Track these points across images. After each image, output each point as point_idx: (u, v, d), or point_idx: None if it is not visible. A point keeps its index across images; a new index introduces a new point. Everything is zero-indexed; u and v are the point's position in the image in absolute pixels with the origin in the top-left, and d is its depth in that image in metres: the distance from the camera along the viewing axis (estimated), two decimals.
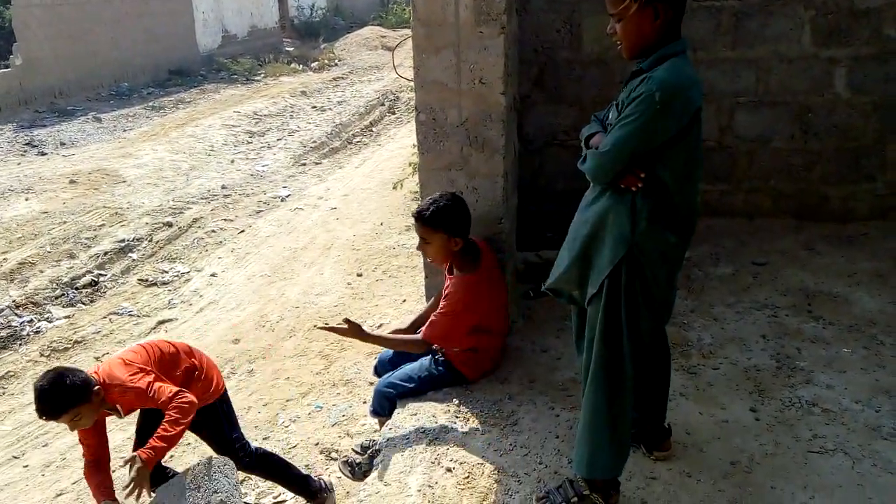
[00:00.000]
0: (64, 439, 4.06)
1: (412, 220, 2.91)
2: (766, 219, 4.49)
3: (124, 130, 11.33)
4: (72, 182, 8.49)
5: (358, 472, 2.82)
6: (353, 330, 2.80)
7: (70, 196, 8.08)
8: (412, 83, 3.13)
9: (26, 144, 10.40)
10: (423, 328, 2.83)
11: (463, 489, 2.35)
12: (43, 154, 10.00)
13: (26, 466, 3.87)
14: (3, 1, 13.45)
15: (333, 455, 3.72)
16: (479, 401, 2.81)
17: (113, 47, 14.61)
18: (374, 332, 3.08)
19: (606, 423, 2.13)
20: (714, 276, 3.89)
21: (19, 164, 9.46)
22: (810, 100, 4.32)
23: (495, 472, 2.43)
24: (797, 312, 3.48)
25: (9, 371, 4.88)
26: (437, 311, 2.81)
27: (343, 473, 2.95)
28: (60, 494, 3.58)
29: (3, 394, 4.58)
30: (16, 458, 3.98)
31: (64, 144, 10.50)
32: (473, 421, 2.70)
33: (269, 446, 3.86)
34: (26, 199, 7.83)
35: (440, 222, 2.75)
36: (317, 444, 3.84)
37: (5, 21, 13.39)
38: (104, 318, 5.61)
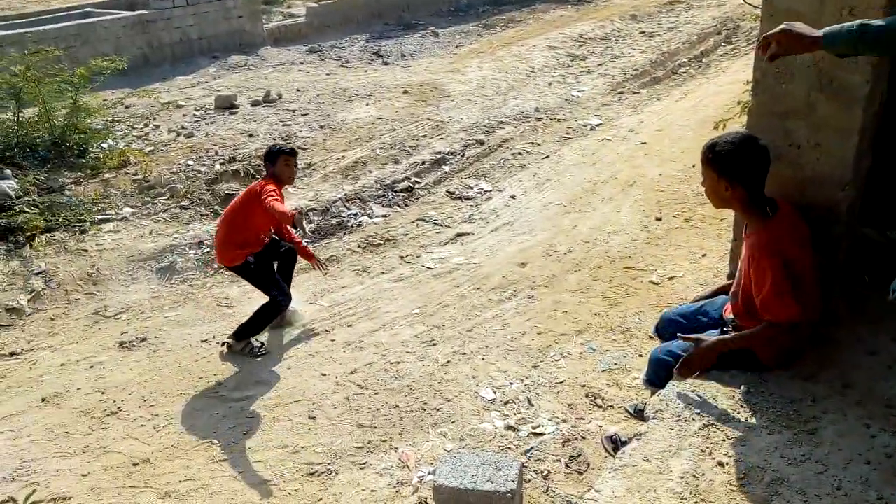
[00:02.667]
0: (364, 323, 4.56)
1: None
2: None
3: (456, 46, 11.95)
4: (405, 92, 9.25)
5: (620, 449, 2.66)
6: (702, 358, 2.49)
7: (402, 105, 8.83)
8: (758, 11, 2.64)
9: (374, 54, 11.58)
10: (763, 313, 2.39)
11: (734, 491, 2.05)
12: (386, 64, 11.04)
13: (333, 341, 4.43)
14: None
15: (598, 402, 3.61)
16: (773, 394, 2.41)
17: None
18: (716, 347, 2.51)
19: None
20: None
21: (366, 71, 10.59)
22: None
23: (777, 482, 2.07)
24: None
25: (332, 255, 5.59)
26: (757, 288, 2.37)
27: (606, 449, 2.81)
28: (354, 372, 4.04)
29: (326, 274, 5.28)
30: (327, 331, 4.59)
31: (404, 56, 11.46)
32: (761, 415, 2.32)
33: (536, 375, 3.90)
34: (367, 105, 8.76)
35: (714, 158, 2.41)
36: (583, 385, 3.75)
37: None
38: (412, 222, 6.09)
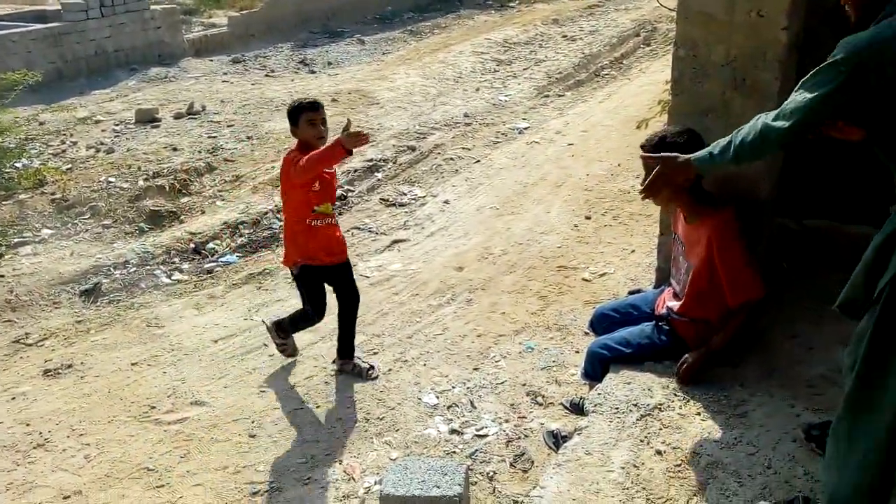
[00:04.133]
0: (303, 336, 4.49)
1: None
2: None
3: (383, 53, 11.94)
4: (333, 100, 9.17)
5: (562, 444, 2.71)
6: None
7: (331, 114, 8.66)
8: (674, 13, 2.75)
9: (300, 62, 11.44)
10: (732, 296, 2.49)
11: (672, 477, 2.13)
12: (313, 72, 10.93)
13: (271, 356, 4.35)
14: None
15: (539, 400, 3.66)
16: (705, 382, 2.51)
17: None
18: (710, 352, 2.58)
19: (844, 464, 1.75)
20: None
21: (293, 80, 10.45)
22: None
23: (713, 466, 2.16)
24: None
25: (265, 268, 5.49)
26: (725, 264, 2.48)
27: (548, 446, 2.86)
28: (294, 387, 3.98)
29: (259, 288, 5.17)
30: (265, 345, 4.49)
31: (331, 64, 11.37)
32: (694, 403, 2.42)
33: (478, 378, 3.93)
34: None
35: (669, 151, 2.46)
36: (524, 384, 3.80)
37: None
38: (347, 231, 6.03)
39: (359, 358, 4.01)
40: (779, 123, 1.82)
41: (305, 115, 3.52)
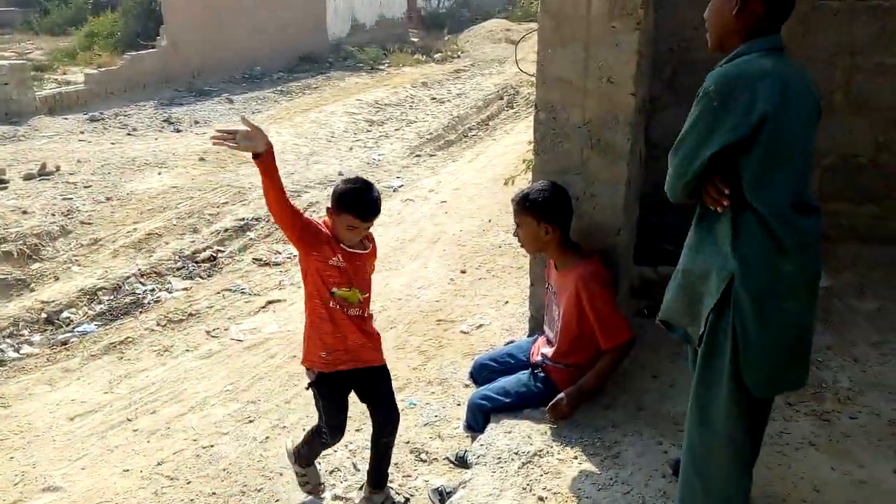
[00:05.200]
0: (170, 408, 4.22)
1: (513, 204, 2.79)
2: None
3: (253, 112, 11.80)
4: (201, 159, 8.92)
5: (447, 500, 2.70)
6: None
7: (199, 173, 8.49)
8: (533, 78, 2.95)
9: (164, 121, 11.06)
10: (604, 341, 2.62)
11: None
12: (178, 131, 10.59)
13: (136, 431, 4.04)
14: None
15: (423, 456, 3.63)
16: (580, 426, 2.62)
17: (249, 33, 15.30)
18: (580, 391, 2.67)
19: (696, 493, 1.90)
20: (858, 311, 3.46)
21: (157, 139, 10.07)
22: None
23: None
24: None
25: (128, 337, 5.14)
26: (594, 311, 2.61)
27: (432, 501, 2.84)
28: (161, 463, 3.70)
29: (121, 358, 4.83)
30: (129, 420, 4.17)
31: (198, 123, 11.08)
32: (571, 448, 2.50)
33: (361, 438, 3.84)
34: (159, 174, 8.30)
35: (531, 205, 2.66)
36: (407, 442, 3.76)
37: (157, 5, 14.36)
38: (218, 293, 5.82)
39: (391, 488, 3.14)
40: (671, 167, 1.89)
41: (348, 217, 2.63)
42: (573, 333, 2.66)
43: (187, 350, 4.95)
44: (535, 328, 3.15)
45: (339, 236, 2.68)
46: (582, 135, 2.85)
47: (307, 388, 2.95)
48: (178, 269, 6.25)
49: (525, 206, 2.67)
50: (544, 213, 2.66)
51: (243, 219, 7.20)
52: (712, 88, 1.71)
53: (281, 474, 3.55)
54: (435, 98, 12.99)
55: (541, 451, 2.49)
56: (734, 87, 1.70)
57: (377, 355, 2.92)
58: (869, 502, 2.25)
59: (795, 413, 2.69)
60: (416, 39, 20.13)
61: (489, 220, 6.74)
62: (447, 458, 3.42)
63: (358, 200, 2.60)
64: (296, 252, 6.50)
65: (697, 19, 3.97)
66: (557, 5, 2.74)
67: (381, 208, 2.68)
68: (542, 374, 2.76)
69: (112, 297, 5.73)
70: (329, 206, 2.70)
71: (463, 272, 5.83)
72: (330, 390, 2.87)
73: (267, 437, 3.86)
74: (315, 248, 2.65)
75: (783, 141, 1.72)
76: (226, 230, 6.96)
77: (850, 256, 3.86)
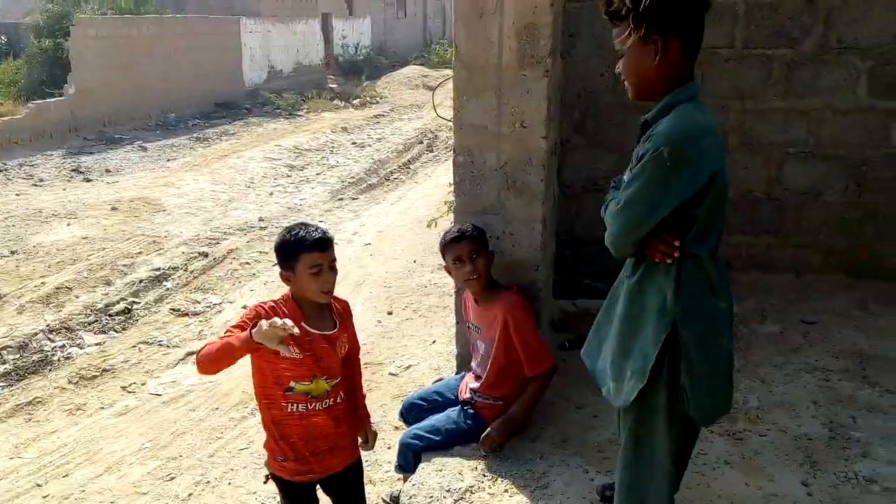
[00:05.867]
0: (84, 470, 4.00)
1: (450, 246, 2.82)
2: (815, 275, 4.28)
3: (168, 160, 11.56)
4: (113, 209, 8.64)
5: None
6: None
7: (111, 223, 8.21)
8: (451, 123, 3.06)
9: (73, 170, 10.67)
10: (529, 368, 2.70)
11: None
12: (88, 180, 10.23)
13: (46, 497, 3.80)
14: (64, 34, 14.01)
15: None
16: (509, 459, 2.66)
17: (163, 79, 15.05)
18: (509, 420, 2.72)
19: None
20: (761, 334, 3.69)
21: (65, 189, 9.69)
22: (865, 153, 4.14)
23: None
24: (851, 377, 3.26)
25: (36, 397, 4.86)
26: (520, 338, 2.69)
27: None
28: None
29: (30, 420, 4.56)
30: (38, 486, 3.93)
31: (109, 172, 10.74)
32: (502, 481, 2.54)
33: None
34: (68, 225, 7.97)
35: (480, 233, 2.79)
36: None
37: (63, 52, 13.92)
38: (134, 346, 5.60)
39: None
40: (617, 225, 1.85)
41: (308, 256, 2.25)
42: (501, 363, 2.73)
43: (102, 407, 4.72)
44: (462, 365, 3.20)
45: (305, 297, 2.30)
46: (498, 177, 2.97)
47: (265, 482, 2.52)
48: (91, 324, 5.98)
49: (482, 238, 2.79)
50: (486, 244, 2.81)
51: (159, 268, 6.99)
52: (664, 150, 1.70)
53: None
54: (355, 143, 13.09)
55: (472, 486, 2.51)
56: (684, 148, 1.70)
57: (353, 450, 2.48)
58: None
59: (711, 434, 2.83)
60: (334, 85, 20.30)
61: (414, 261, 6.80)
62: (383, 499, 3.39)
63: (303, 233, 2.26)
64: (215, 301, 6.38)
65: (602, 66, 4.26)
66: (470, 56, 2.88)
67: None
68: (471, 411, 2.80)
69: (18, 356, 5.42)
70: (280, 271, 2.33)
71: (390, 314, 5.84)
72: (290, 496, 2.45)
73: (190, 494, 3.72)
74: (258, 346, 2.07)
75: (723, 191, 1.81)
76: (141, 281, 6.73)
77: (751, 284, 4.12)
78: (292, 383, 2.26)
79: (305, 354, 2.26)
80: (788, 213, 4.30)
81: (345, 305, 2.52)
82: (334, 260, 2.33)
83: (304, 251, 2.23)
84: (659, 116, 1.80)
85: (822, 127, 4.15)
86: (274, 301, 2.32)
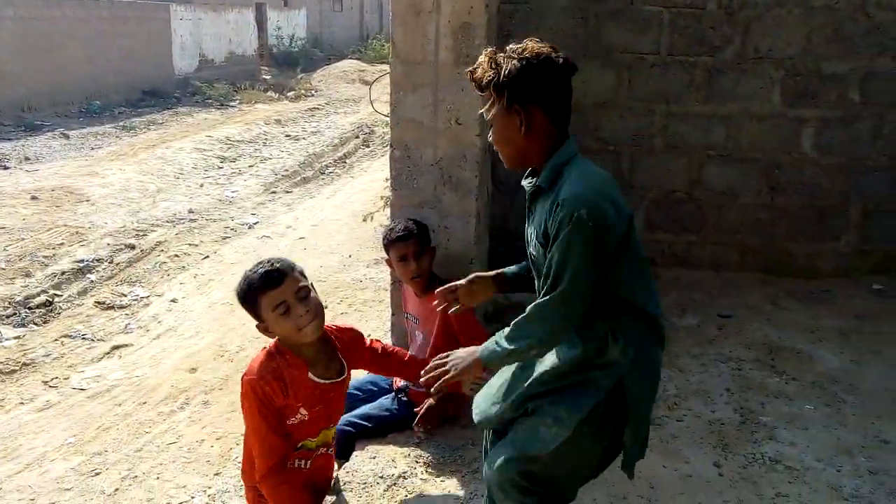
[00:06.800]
0: (3, 467, 3.85)
1: (395, 244, 2.86)
2: (732, 272, 4.54)
3: (92, 149, 11.12)
4: (33, 198, 8.27)
5: None
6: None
7: (30, 212, 7.86)
8: (388, 118, 3.11)
9: None
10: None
11: None
12: (5, 168, 9.75)
13: None
14: None
15: None
16: (440, 445, 2.74)
17: (86, 64, 14.45)
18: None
19: None
20: (680, 327, 3.89)
21: None
22: (779, 157, 4.41)
23: None
24: (761, 367, 3.49)
25: None
26: (460, 325, 2.75)
27: None
28: None
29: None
30: None
31: (28, 159, 10.26)
32: (433, 467, 2.62)
33: (220, 483, 3.71)
34: None
35: (422, 230, 2.86)
36: None
37: None
38: (56, 340, 5.39)
39: None
40: (568, 304, 1.74)
41: (264, 298, 2.03)
42: (439, 352, 2.80)
43: (21, 403, 4.54)
44: None
45: (287, 339, 2.11)
46: (434, 172, 3.04)
47: None
48: (9, 317, 5.73)
49: (420, 234, 2.85)
50: (429, 241, 2.89)
51: (82, 260, 6.74)
52: (582, 213, 1.65)
53: None
54: (289, 135, 12.92)
55: (405, 472, 2.58)
56: (598, 203, 1.67)
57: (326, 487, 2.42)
58: (694, 493, 2.55)
59: None
60: (268, 77, 19.95)
61: (349, 256, 6.79)
62: None
63: (250, 275, 2.04)
64: (142, 294, 6.21)
65: None
66: (407, 52, 2.93)
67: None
68: (404, 399, 2.86)
69: None
70: (256, 323, 2.12)
71: (325, 308, 5.83)
72: None
73: (116, 490, 3.63)
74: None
75: (635, 234, 1.81)
76: (63, 273, 6.48)
77: (673, 280, 4.34)
78: (301, 442, 2.15)
79: (313, 411, 2.10)
80: (709, 213, 4.55)
81: (350, 336, 2.28)
82: (302, 288, 2.05)
83: (259, 294, 1.99)
84: (553, 180, 1.75)
85: (740, 131, 4.41)
86: (271, 368, 2.07)
